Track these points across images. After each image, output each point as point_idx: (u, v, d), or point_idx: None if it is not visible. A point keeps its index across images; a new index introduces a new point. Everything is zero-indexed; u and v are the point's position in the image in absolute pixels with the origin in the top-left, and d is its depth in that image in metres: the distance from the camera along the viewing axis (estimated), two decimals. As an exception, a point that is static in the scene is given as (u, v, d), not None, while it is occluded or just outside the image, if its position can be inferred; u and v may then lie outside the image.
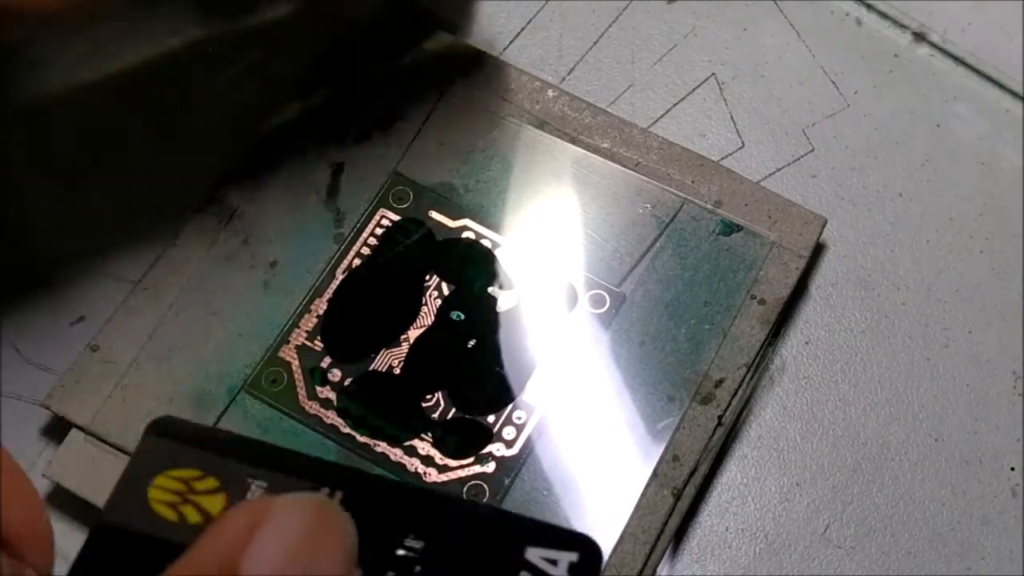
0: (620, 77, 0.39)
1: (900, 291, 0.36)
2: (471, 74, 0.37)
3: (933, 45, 0.39)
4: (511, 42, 0.40)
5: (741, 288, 0.34)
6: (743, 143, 0.38)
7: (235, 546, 0.25)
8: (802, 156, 0.38)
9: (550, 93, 0.37)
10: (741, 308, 0.34)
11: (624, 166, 0.36)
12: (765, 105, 0.39)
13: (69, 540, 0.31)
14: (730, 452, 0.34)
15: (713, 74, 0.39)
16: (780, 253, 0.34)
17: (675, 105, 0.39)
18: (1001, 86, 0.39)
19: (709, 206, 0.35)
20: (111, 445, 0.32)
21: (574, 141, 0.36)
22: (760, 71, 0.39)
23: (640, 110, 0.39)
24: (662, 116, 0.38)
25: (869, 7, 0.40)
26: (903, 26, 0.40)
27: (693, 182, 0.35)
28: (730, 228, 0.35)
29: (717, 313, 0.34)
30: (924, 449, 0.34)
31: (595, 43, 0.40)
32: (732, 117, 0.39)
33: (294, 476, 0.26)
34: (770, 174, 0.38)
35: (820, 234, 0.35)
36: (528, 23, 0.40)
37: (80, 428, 0.33)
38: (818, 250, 0.36)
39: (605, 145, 0.36)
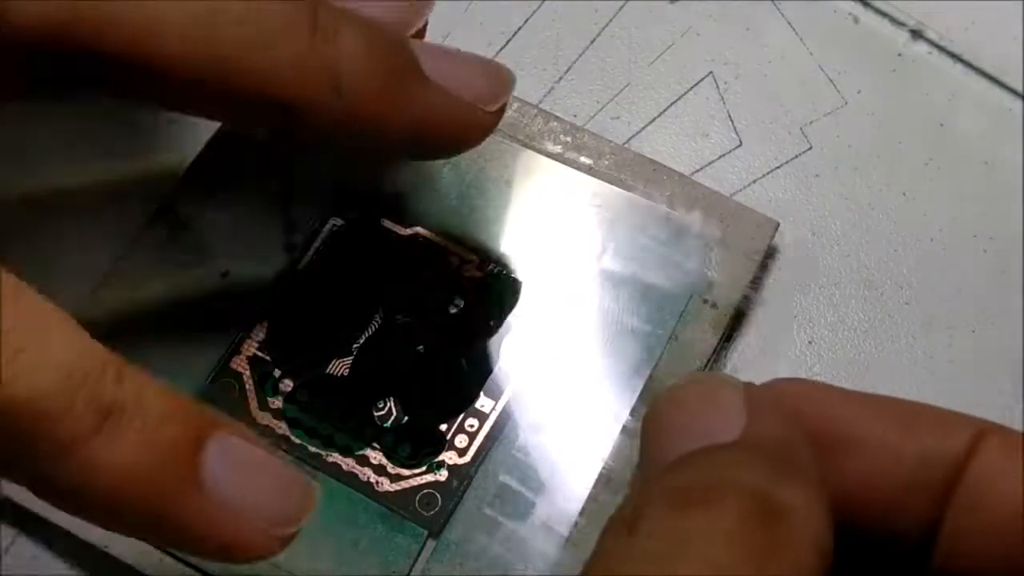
0: (619, 75, 0.39)
1: (903, 290, 0.36)
2: None
3: (931, 43, 0.39)
4: (509, 41, 0.39)
5: (692, 293, 0.34)
6: (741, 141, 0.38)
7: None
8: (799, 154, 0.38)
9: None
10: (692, 313, 0.33)
11: (576, 170, 0.35)
12: (763, 103, 0.39)
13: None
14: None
15: (711, 72, 0.39)
16: (732, 257, 0.34)
17: (672, 104, 0.39)
18: (1003, 85, 0.39)
19: (661, 210, 0.35)
20: None
21: (525, 147, 0.36)
22: (758, 69, 0.39)
23: (637, 108, 0.38)
24: (659, 115, 0.38)
25: (866, 4, 0.40)
26: (900, 23, 0.40)
27: (645, 187, 0.35)
28: (681, 232, 0.34)
29: (668, 318, 0.33)
30: (928, 449, 0.34)
31: (593, 41, 0.39)
32: (730, 116, 0.38)
33: None
34: (768, 172, 0.38)
35: (772, 237, 0.35)
36: (526, 22, 0.40)
37: None
38: (770, 252, 0.35)
39: (556, 150, 0.36)
